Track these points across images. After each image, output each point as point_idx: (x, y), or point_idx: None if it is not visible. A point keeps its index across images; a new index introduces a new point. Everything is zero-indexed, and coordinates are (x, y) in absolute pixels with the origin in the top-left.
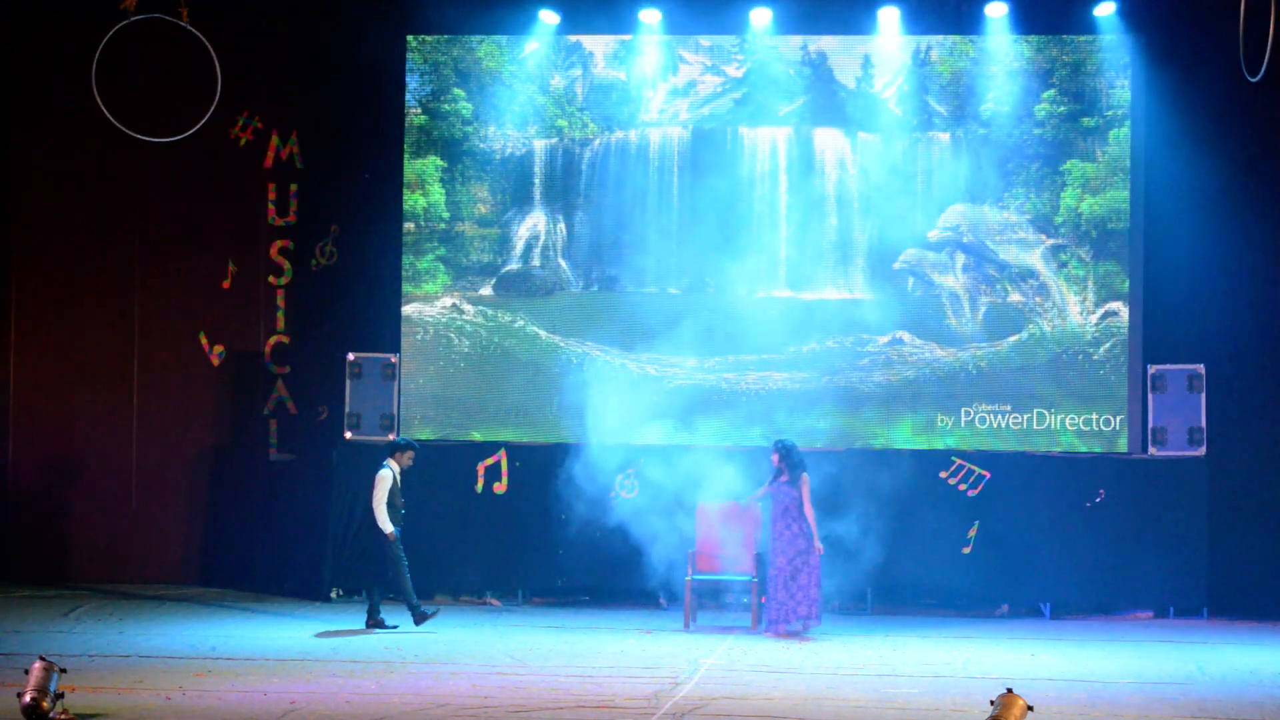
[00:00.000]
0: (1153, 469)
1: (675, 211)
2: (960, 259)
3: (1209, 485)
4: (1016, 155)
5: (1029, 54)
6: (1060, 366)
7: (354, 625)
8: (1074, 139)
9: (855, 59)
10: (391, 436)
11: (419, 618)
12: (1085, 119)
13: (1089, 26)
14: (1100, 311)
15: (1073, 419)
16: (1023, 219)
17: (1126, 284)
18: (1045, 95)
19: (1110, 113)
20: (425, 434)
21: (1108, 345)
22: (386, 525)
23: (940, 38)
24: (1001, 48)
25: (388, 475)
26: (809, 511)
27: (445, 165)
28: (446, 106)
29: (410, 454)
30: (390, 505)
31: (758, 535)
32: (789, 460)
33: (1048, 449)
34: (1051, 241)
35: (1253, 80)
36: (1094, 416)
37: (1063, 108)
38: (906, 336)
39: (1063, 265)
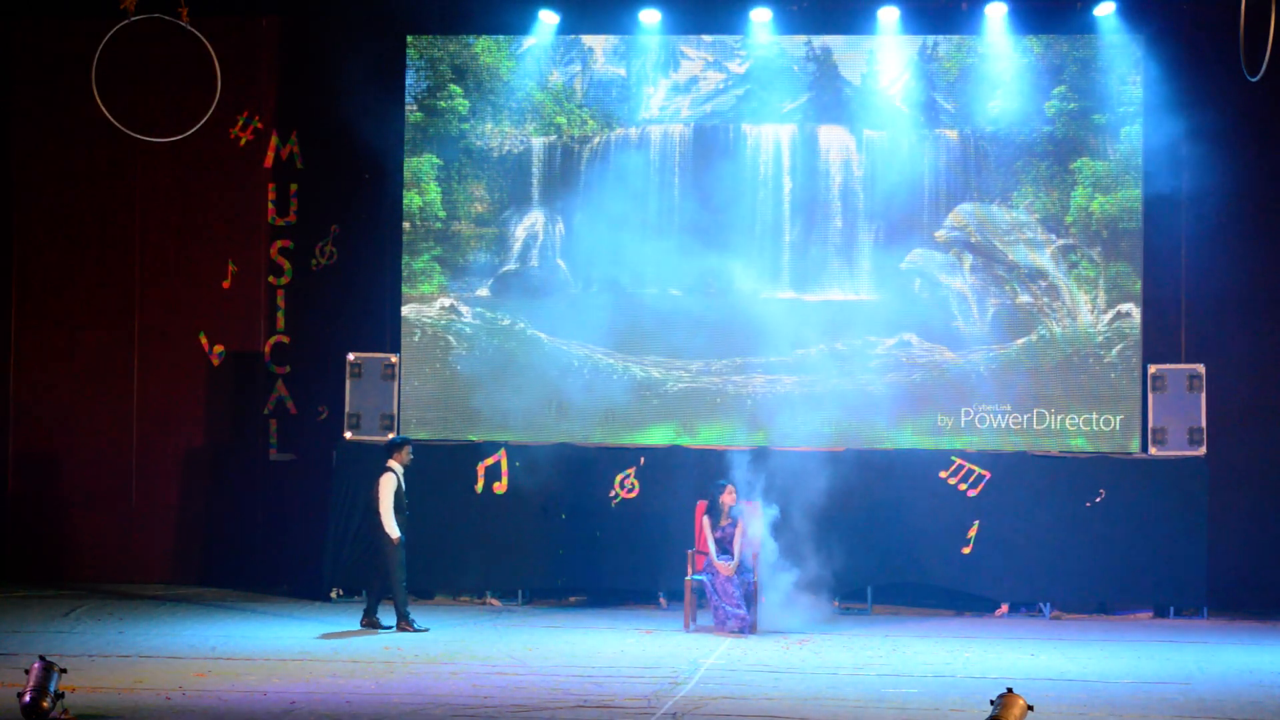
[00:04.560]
0: (1153, 469)
1: (676, 210)
2: (968, 259)
3: (1209, 485)
4: (1025, 153)
5: (1038, 50)
6: (1071, 369)
7: (354, 625)
8: (1084, 136)
9: (860, 55)
10: (392, 436)
11: (406, 627)
12: (1096, 116)
13: (1089, 27)
14: (1112, 313)
15: (1075, 420)
16: (1032, 218)
17: (1138, 285)
18: (1055, 91)
19: (1122, 109)
20: (424, 434)
21: (1119, 347)
22: (394, 530)
23: (946, 35)
24: (1010, 44)
25: (392, 478)
26: (755, 547)
27: (441, 163)
28: (443, 103)
29: (407, 449)
30: (396, 508)
31: (758, 535)
32: (737, 501)
33: (1054, 450)
34: (1061, 241)
35: (1252, 80)
36: (1106, 418)
37: (1073, 104)
38: (913, 339)
39: (1073, 266)
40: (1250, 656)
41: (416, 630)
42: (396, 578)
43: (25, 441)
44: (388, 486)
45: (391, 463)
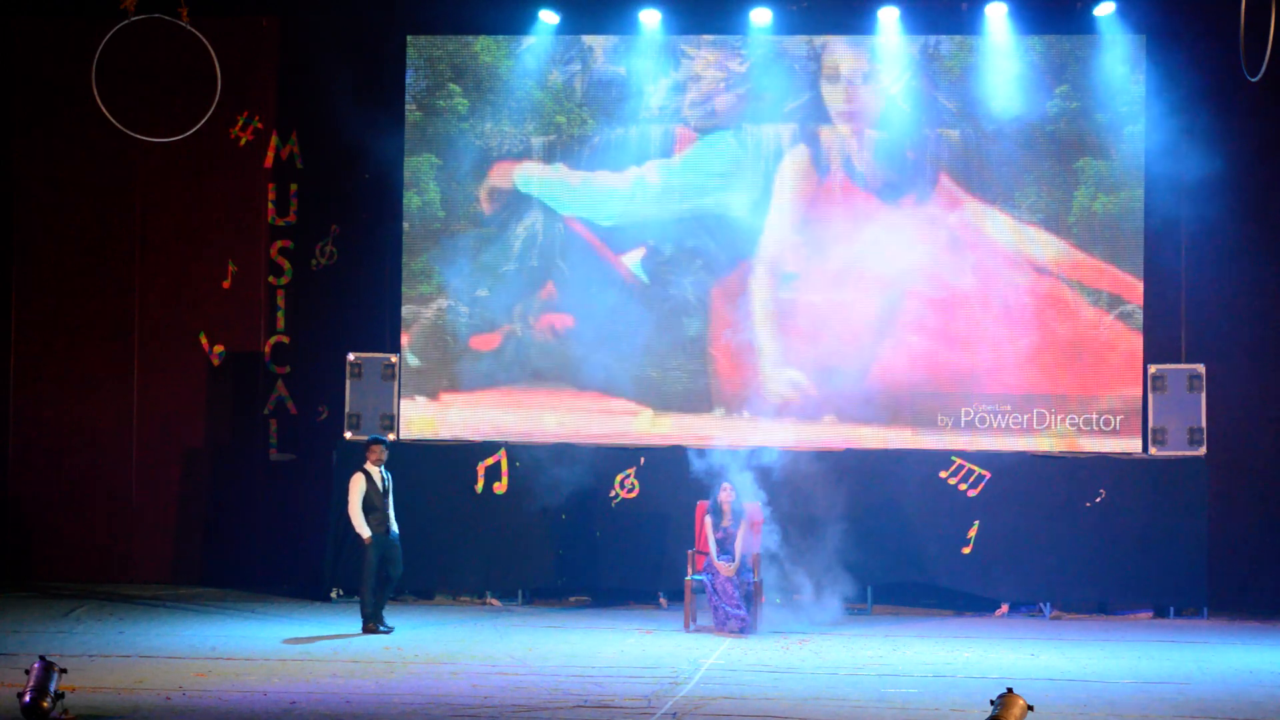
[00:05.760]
0: (1153, 469)
1: (676, 210)
2: (970, 259)
3: (1209, 485)
4: (1027, 153)
5: (1039, 49)
6: (1071, 369)
7: (354, 626)
8: (1086, 136)
9: (861, 55)
10: (392, 438)
11: (370, 628)
12: (1098, 115)
13: (1089, 26)
14: (1113, 313)
15: (1075, 420)
16: (1034, 218)
17: (1140, 285)
18: (1057, 91)
19: (1124, 109)
20: (424, 435)
21: (1120, 347)
22: (363, 530)
23: (946, 35)
24: (1012, 43)
25: (359, 478)
26: (756, 547)
27: (441, 163)
28: (442, 103)
29: (376, 448)
30: (369, 508)
31: (758, 535)
32: (736, 500)
33: (1054, 450)
34: (1063, 241)
35: (1252, 80)
36: (1106, 418)
37: (1075, 104)
38: (914, 339)
39: (1075, 265)
40: (1250, 656)
41: (381, 631)
42: (364, 577)
43: (25, 442)
44: (355, 487)
45: (367, 464)
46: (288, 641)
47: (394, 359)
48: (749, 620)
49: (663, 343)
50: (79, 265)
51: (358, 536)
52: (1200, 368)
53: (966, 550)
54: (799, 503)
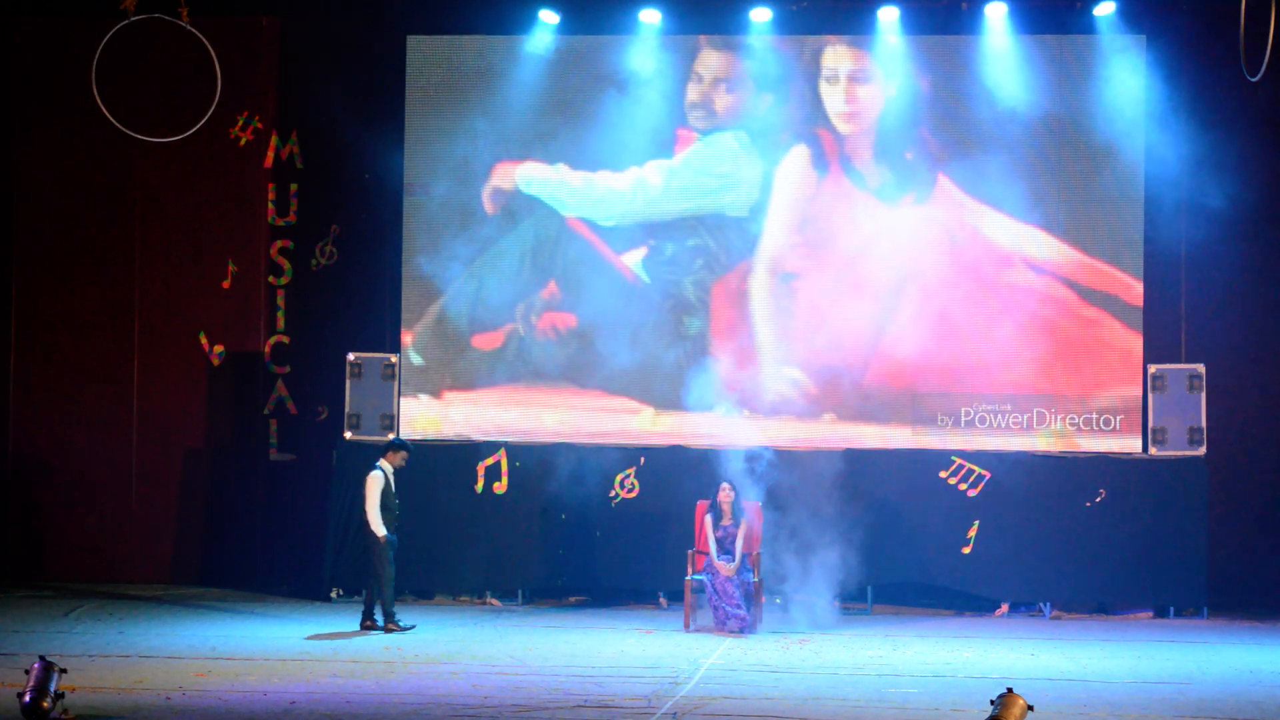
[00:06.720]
0: (1153, 469)
1: (677, 211)
2: (969, 259)
3: (1209, 485)
4: (1028, 152)
5: (1039, 50)
6: (1071, 368)
7: (354, 626)
8: (1087, 135)
9: (861, 54)
10: (391, 436)
11: (393, 627)
12: (1099, 115)
13: (1089, 27)
14: (1113, 313)
15: (1075, 420)
16: (1034, 218)
17: (1139, 285)
18: (1056, 91)
19: (1123, 109)
20: (428, 433)
21: (1120, 347)
22: (380, 528)
23: (946, 36)
24: (1010, 43)
25: (379, 476)
26: (756, 547)
27: (441, 163)
28: (442, 103)
29: (403, 454)
30: (384, 507)
31: (758, 535)
32: (736, 500)
33: (1054, 450)
34: (1064, 241)
35: (1252, 80)
36: (1106, 418)
37: (1075, 103)
38: (913, 338)
39: (1074, 265)
40: (1250, 656)
41: (403, 629)
42: (384, 576)
43: (25, 441)
44: (374, 485)
45: (382, 462)
46: (289, 641)
47: (394, 359)
48: (749, 620)
49: (663, 342)
50: (79, 265)
51: (368, 535)
52: (1200, 368)
53: (966, 550)
54: (799, 502)
